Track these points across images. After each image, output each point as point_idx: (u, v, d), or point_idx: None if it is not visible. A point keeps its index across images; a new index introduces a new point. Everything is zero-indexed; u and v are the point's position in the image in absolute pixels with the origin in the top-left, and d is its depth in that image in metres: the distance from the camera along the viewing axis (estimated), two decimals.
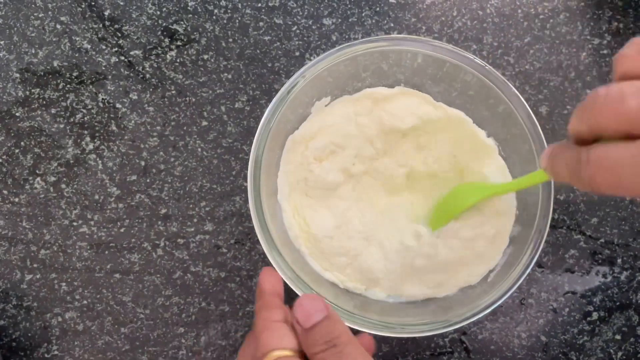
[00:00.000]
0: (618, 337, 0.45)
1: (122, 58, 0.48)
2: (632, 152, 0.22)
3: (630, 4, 0.49)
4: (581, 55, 0.49)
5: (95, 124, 0.47)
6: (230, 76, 0.48)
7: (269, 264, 0.45)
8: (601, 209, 0.46)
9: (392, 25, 0.49)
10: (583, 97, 0.48)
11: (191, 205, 0.46)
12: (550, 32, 0.49)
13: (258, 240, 0.45)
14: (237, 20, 0.49)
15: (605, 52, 0.49)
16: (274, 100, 0.39)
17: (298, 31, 0.49)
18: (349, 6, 0.49)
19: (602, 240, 0.46)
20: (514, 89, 0.39)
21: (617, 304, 0.45)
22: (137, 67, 0.48)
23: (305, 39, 0.49)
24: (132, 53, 0.48)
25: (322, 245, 0.42)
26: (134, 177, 0.46)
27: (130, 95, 0.48)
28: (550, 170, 0.28)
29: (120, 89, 0.48)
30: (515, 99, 0.39)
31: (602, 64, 0.48)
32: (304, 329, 0.30)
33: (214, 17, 0.49)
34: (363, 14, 0.49)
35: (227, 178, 0.46)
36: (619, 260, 0.46)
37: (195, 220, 0.46)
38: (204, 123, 0.47)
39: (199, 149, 0.47)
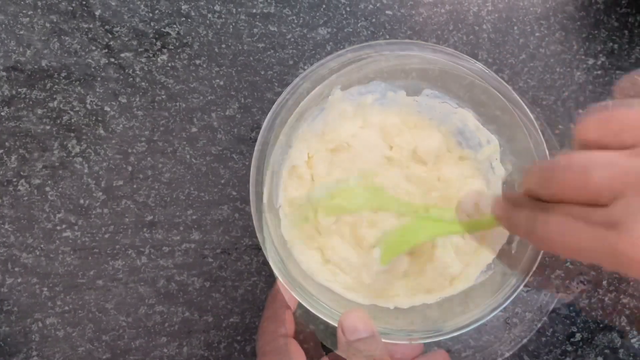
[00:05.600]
0: (600, 358, 0.45)
1: (112, 60, 0.47)
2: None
3: (626, 25, 0.49)
4: (575, 74, 0.49)
5: (83, 126, 0.46)
6: (222, 83, 0.47)
7: (254, 275, 0.45)
8: None
9: (387, 37, 0.48)
10: (575, 116, 0.48)
11: (178, 213, 0.45)
12: (545, 51, 0.49)
13: (244, 250, 0.45)
14: (231, 26, 0.48)
15: (599, 72, 0.49)
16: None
17: (292, 39, 0.48)
18: (345, 16, 0.49)
19: None
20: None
21: (601, 325, 0.45)
22: (127, 70, 0.47)
23: (299, 47, 0.48)
24: (122, 55, 0.47)
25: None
26: (121, 182, 0.46)
27: (119, 99, 0.47)
28: (507, 223, 0.28)
29: (109, 91, 0.47)
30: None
31: (595, 84, 0.48)
32: (348, 340, 0.33)
33: (208, 22, 0.48)
34: (359, 25, 0.49)
35: (215, 186, 0.46)
36: (605, 282, 0.46)
37: (181, 228, 0.45)
38: (194, 129, 0.47)
39: (188, 156, 0.46)
